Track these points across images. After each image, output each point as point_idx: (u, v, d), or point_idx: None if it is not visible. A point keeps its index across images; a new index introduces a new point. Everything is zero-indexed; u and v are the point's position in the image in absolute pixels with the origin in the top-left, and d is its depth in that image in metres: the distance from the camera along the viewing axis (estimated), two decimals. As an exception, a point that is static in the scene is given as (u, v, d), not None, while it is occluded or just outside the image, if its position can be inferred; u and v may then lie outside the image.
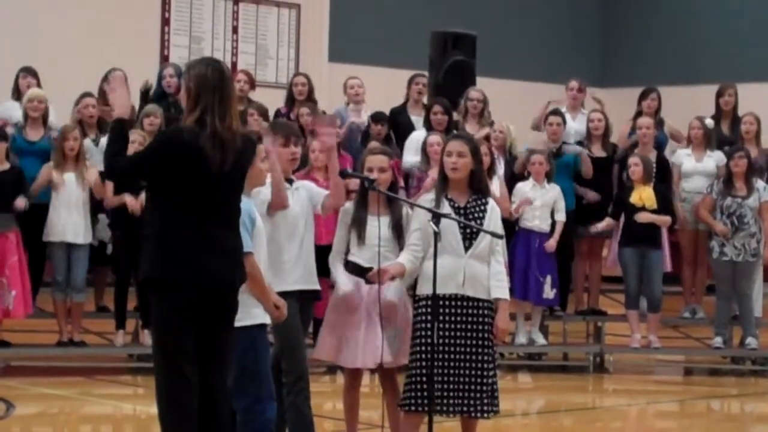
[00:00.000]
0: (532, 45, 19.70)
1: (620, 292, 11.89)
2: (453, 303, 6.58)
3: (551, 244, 11.15)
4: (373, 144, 9.95)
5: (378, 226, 6.80)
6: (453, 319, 6.57)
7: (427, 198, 6.72)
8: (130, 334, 10.80)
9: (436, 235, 6.65)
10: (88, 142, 10.76)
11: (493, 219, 6.65)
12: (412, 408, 6.58)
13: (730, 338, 11.79)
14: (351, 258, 6.95)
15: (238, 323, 5.73)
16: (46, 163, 10.45)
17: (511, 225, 11.08)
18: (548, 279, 11.15)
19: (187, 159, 5.30)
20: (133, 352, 10.81)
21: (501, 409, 6.75)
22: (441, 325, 6.52)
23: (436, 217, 6.72)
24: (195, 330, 5.40)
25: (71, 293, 10.36)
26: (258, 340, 6.12)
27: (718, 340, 11.61)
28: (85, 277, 10.48)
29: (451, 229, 6.54)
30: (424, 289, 6.60)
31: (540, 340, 11.47)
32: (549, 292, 11.19)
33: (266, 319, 6.14)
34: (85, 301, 10.59)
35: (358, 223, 6.89)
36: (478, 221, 6.60)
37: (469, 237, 6.59)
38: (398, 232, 6.89)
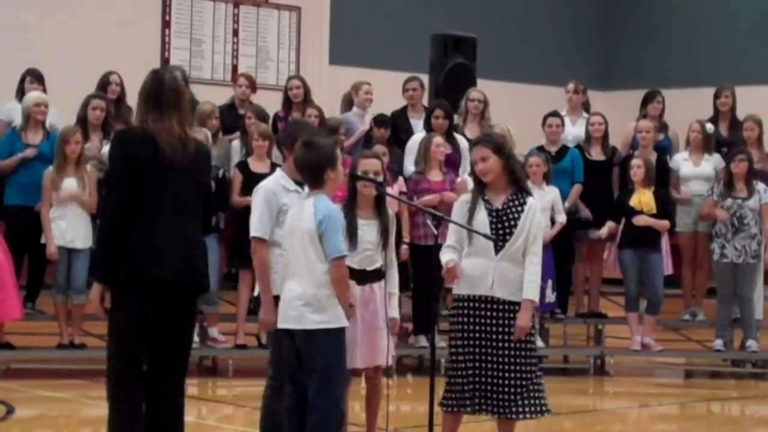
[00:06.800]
0: (532, 48, 19.68)
1: (621, 294, 11.88)
2: (484, 305, 6.60)
3: (546, 237, 11.12)
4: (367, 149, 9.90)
5: (376, 230, 6.83)
6: (485, 321, 6.59)
7: (463, 200, 6.72)
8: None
9: (437, 238, 6.70)
10: (89, 147, 10.71)
11: (529, 219, 6.58)
12: (447, 409, 6.68)
13: (730, 341, 11.79)
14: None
15: (326, 325, 5.94)
16: (44, 165, 10.44)
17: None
18: (549, 283, 11.15)
19: (142, 147, 5.52)
20: (133, 354, 10.78)
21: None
22: (474, 327, 6.59)
23: (436, 219, 6.76)
24: (152, 329, 5.50)
25: (72, 295, 10.36)
26: (342, 342, 6.16)
27: (718, 343, 11.61)
28: (86, 279, 10.48)
29: (482, 230, 6.53)
30: (459, 289, 6.66)
31: (540, 342, 11.45)
32: (550, 296, 11.20)
33: (345, 322, 6.18)
34: (86, 303, 10.57)
35: (350, 228, 6.72)
36: (513, 222, 6.55)
37: (501, 238, 6.55)
38: (385, 236, 6.87)
